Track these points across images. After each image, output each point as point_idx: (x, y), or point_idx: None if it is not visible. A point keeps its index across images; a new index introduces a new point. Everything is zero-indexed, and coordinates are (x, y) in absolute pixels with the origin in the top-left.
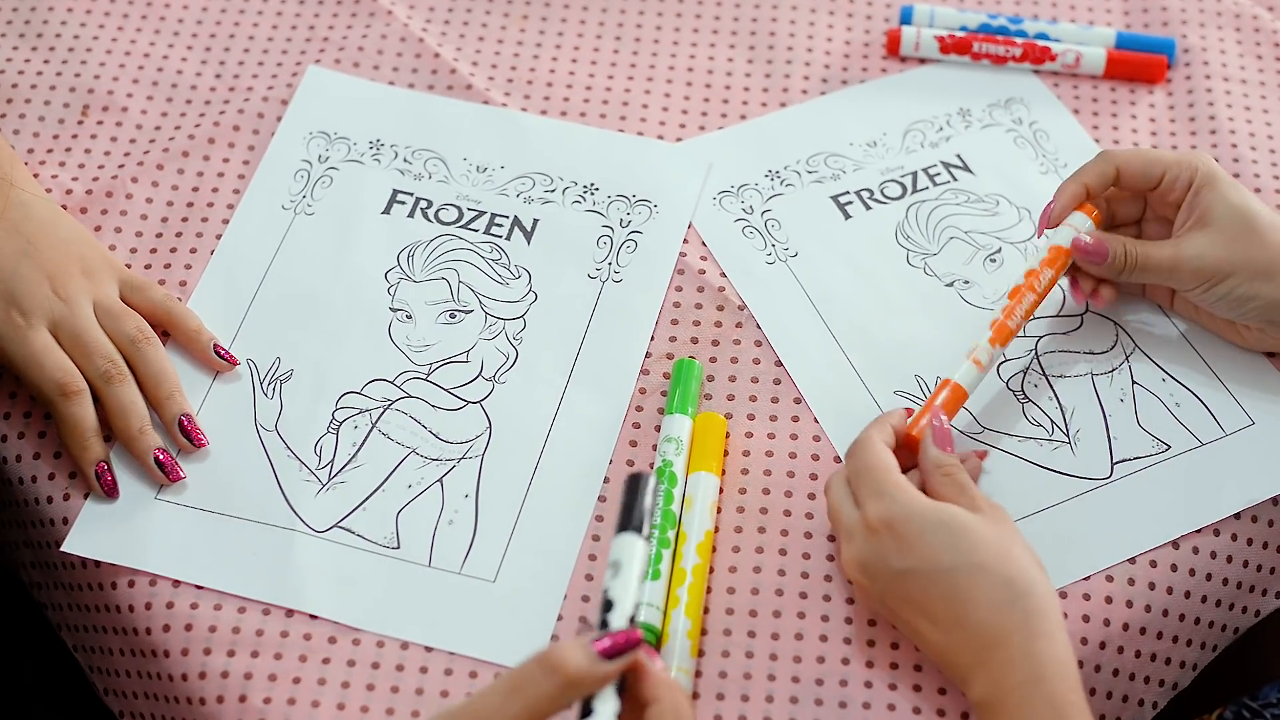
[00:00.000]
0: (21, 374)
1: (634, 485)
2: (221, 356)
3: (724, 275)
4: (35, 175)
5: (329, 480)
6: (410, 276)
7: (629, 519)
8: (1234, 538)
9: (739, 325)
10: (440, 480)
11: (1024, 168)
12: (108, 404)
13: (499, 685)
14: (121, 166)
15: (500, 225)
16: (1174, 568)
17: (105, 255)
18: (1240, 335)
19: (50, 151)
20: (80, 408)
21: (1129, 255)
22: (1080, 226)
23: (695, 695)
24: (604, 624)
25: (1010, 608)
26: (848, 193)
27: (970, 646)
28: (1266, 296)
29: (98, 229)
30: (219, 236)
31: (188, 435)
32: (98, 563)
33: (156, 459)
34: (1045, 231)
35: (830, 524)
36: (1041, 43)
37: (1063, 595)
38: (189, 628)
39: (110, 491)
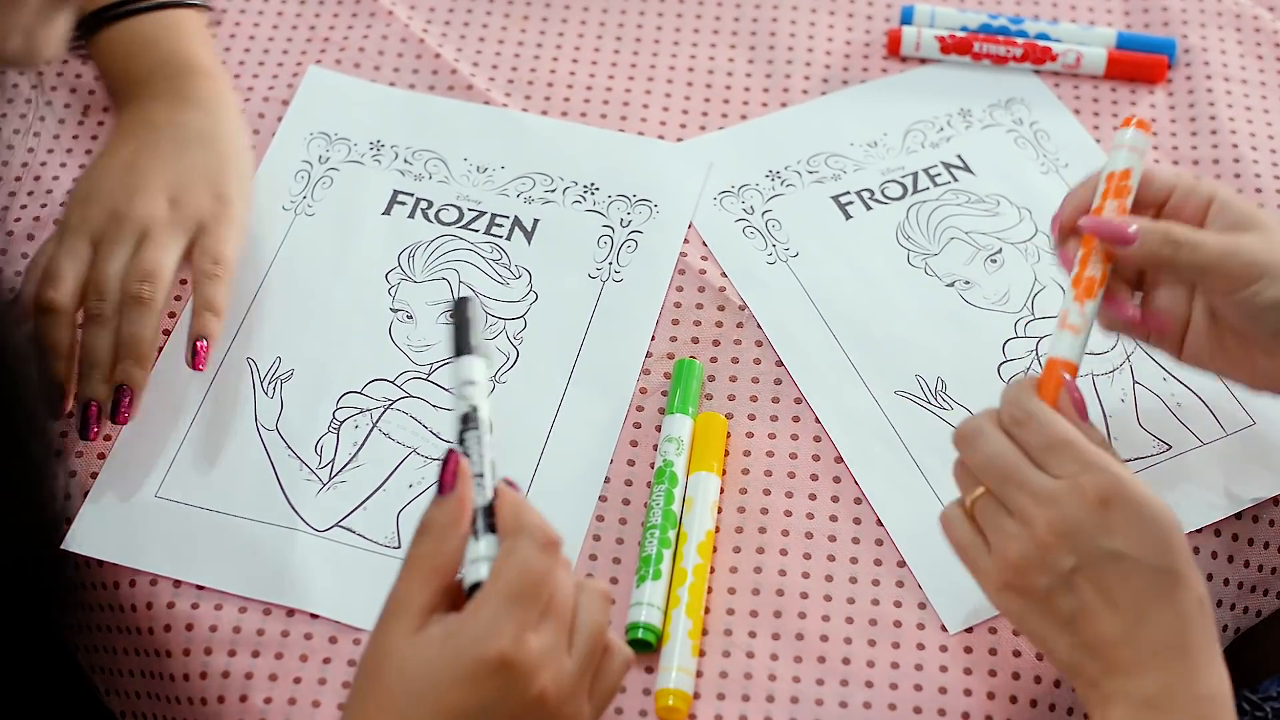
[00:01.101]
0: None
1: (460, 309)
2: (194, 351)
3: (724, 275)
4: (37, 177)
5: (330, 479)
6: (411, 277)
7: (463, 342)
8: (1235, 538)
9: (740, 325)
10: None
11: (1025, 168)
12: (82, 339)
13: (401, 575)
14: None
15: (500, 225)
16: None
17: (207, 202)
18: (1262, 376)
19: (51, 152)
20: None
21: (1173, 239)
22: (1139, 145)
23: (696, 695)
24: (461, 439)
25: (1202, 623)
26: (848, 193)
27: (1148, 645)
28: None
29: None
30: None
31: (116, 406)
32: (99, 562)
33: (85, 408)
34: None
35: (989, 475)
36: (1042, 43)
37: None
38: (190, 627)
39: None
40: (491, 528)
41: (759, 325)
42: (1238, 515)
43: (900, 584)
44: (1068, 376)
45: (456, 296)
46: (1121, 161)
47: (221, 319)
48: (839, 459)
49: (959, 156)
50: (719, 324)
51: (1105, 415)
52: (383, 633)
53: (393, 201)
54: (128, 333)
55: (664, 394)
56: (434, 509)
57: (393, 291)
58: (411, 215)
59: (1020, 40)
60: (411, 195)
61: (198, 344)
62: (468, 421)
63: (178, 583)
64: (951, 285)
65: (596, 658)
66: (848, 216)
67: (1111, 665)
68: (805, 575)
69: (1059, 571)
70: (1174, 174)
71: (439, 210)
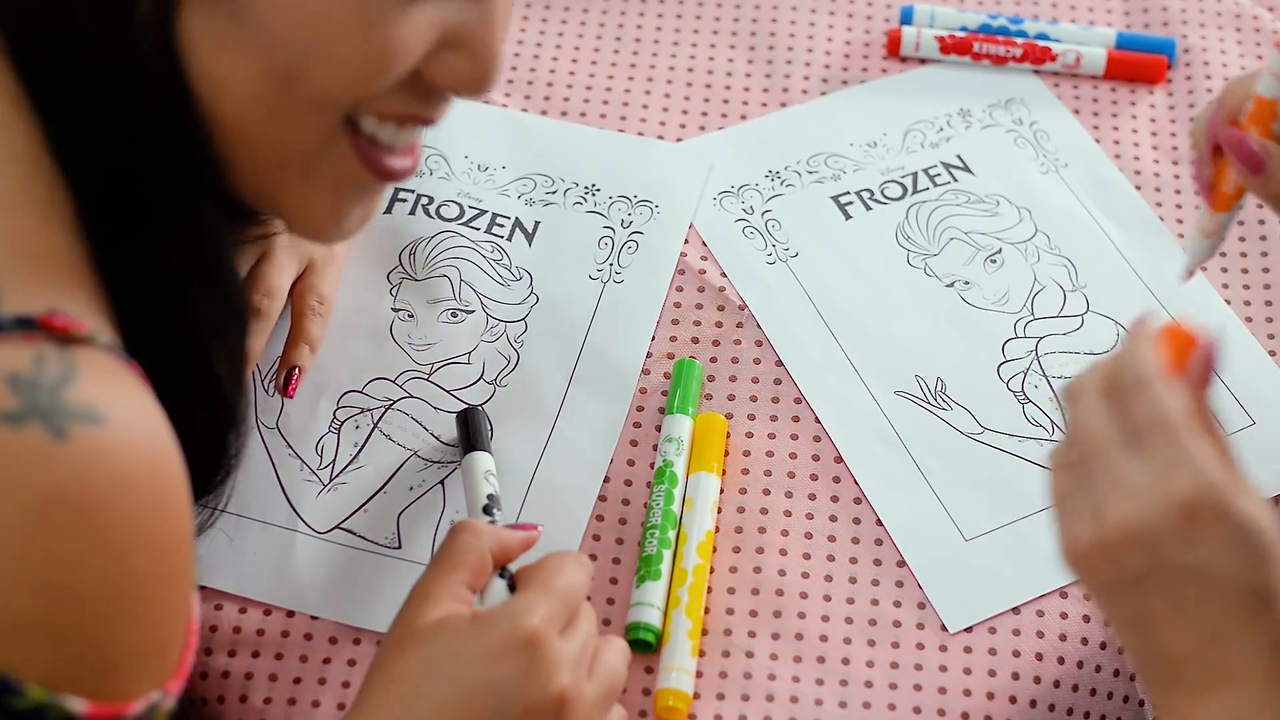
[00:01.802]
0: None
1: (469, 418)
2: (287, 381)
3: (724, 275)
4: None
5: (330, 481)
6: (412, 275)
7: (478, 441)
8: None
9: (739, 325)
10: (442, 482)
11: (1024, 168)
12: None
13: (430, 567)
14: None
15: (502, 226)
16: None
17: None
18: None
19: None
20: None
21: None
22: None
23: (695, 695)
24: (488, 510)
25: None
26: (848, 193)
27: (1226, 668)
28: None
29: None
30: None
31: None
32: None
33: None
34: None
35: (1077, 444)
36: (1042, 43)
37: (1063, 595)
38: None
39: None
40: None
41: (759, 325)
42: None
43: (900, 584)
44: (1204, 337)
45: (462, 409)
46: (1272, 89)
47: (315, 354)
48: (839, 459)
49: (959, 157)
50: (719, 324)
51: None
52: (406, 614)
53: (393, 199)
54: None
55: (664, 394)
56: (489, 526)
57: (394, 291)
58: (412, 212)
59: (1020, 40)
60: (412, 192)
61: (293, 372)
62: (491, 505)
63: None
64: (951, 285)
65: (610, 703)
66: (847, 217)
67: (1176, 680)
68: (805, 575)
69: (1126, 574)
70: None
71: (440, 206)
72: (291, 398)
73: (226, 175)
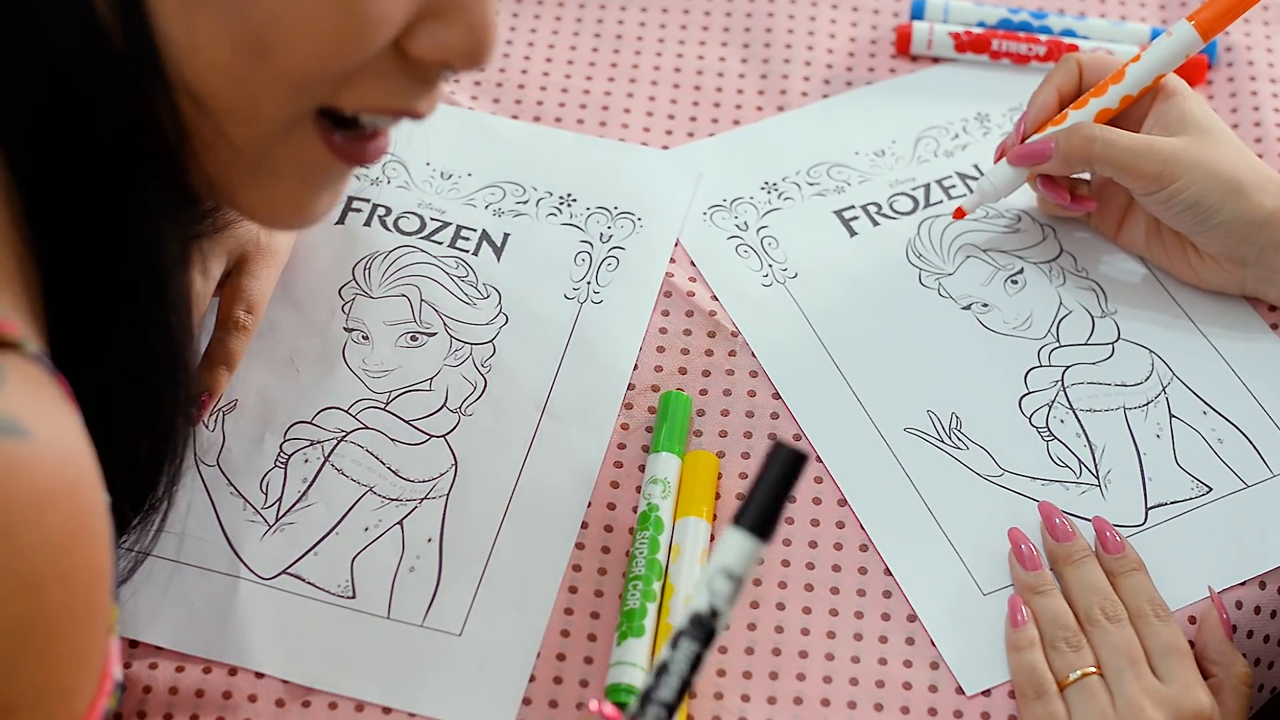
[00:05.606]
0: None
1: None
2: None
3: (715, 298)
4: None
5: (277, 520)
6: (367, 292)
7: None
8: None
9: (732, 354)
10: (400, 523)
11: None
12: None
13: None
14: None
15: (467, 239)
16: None
17: (252, 228)
18: (1192, 269)
19: None
20: None
21: (1086, 136)
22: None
23: None
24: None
25: None
26: (853, 207)
27: None
28: (1230, 212)
29: None
30: None
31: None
32: None
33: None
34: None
35: (1116, 657)
36: (1068, 40)
37: None
38: (121, 688)
39: None
40: None
41: (753, 354)
42: None
43: (910, 641)
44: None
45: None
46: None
47: (233, 375)
48: (843, 503)
49: (976, 167)
50: (709, 352)
51: (1139, 454)
52: None
53: (346, 208)
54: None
55: (648, 430)
56: None
57: (346, 309)
58: (368, 223)
59: (1043, 37)
60: (367, 201)
61: (202, 397)
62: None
63: None
64: (968, 308)
65: None
66: (852, 233)
67: None
68: (805, 632)
69: None
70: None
71: (398, 218)
72: (194, 425)
73: (184, 161)
